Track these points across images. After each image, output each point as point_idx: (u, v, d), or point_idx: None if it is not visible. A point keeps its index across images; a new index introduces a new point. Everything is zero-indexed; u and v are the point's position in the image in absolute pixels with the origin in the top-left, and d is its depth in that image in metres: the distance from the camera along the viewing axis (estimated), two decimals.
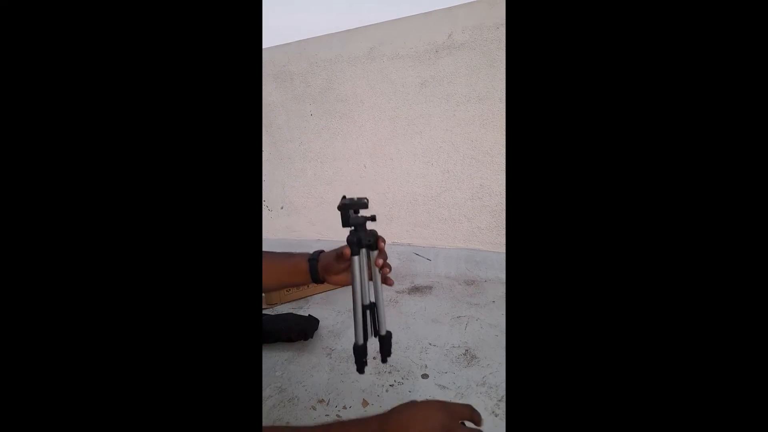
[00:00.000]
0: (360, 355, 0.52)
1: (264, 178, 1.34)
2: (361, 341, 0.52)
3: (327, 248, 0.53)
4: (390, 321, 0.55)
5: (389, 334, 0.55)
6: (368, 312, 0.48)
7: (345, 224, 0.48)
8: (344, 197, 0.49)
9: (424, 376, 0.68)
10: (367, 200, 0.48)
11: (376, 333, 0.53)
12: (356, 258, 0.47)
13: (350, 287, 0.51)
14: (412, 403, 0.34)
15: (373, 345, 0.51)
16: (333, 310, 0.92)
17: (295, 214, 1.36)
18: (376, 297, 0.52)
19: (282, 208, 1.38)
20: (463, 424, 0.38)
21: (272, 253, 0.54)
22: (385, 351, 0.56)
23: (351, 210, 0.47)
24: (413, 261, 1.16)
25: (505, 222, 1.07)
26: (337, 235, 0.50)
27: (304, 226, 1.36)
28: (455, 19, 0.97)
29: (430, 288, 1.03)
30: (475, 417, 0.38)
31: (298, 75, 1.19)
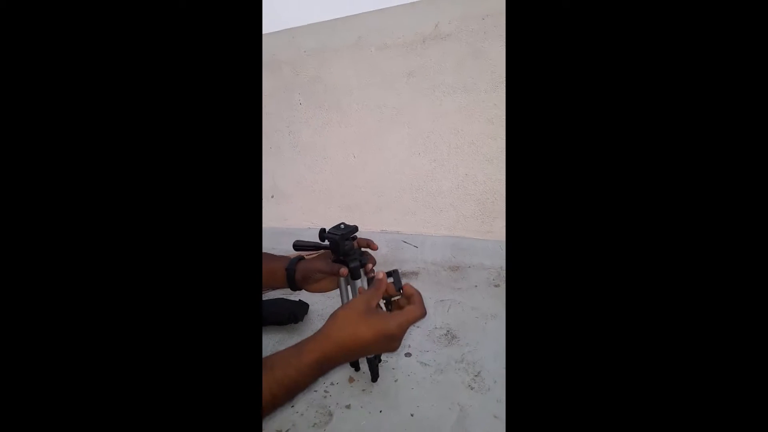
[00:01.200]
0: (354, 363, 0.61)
1: None
2: None
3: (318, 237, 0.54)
4: None
5: None
6: None
7: (339, 255, 0.50)
8: (323, 230, 0.50)
9: (407, 354, 0.73)
10: (345, 225, 0.50)
11: None
12: (358, 281, 0.51)
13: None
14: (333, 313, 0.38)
15: None
16: (322, 296, 0.96)
17: (285, 203, 1.38)
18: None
19: (272, 197, 1.39)
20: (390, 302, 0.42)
21: None
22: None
23: (345, 240, 0.49)
24: (401, 248, 1.20)
25: (489, 211, 1.11)
26: (328, 223, 0.52)
27: (295, 214, 1.38)
28: (442, 9, 0.98)
29: (416, 273, 1.07)
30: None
31: (286, 64, 1.19)
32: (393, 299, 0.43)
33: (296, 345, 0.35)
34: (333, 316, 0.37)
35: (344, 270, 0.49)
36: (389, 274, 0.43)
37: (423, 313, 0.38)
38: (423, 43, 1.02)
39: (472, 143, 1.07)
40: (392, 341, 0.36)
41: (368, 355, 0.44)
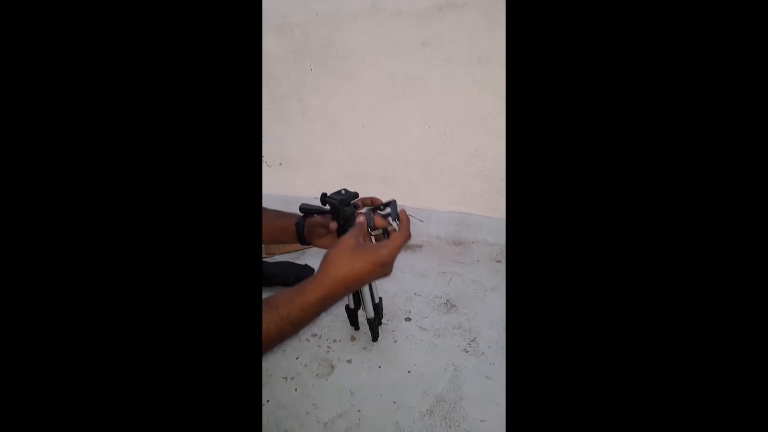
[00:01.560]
0: (353, 316, 0.67)
1: (263, 133, 1.35)
2: (352, 306, 0.66)
3: None
4: None
5: (380, 299, 0.67)
6: None
7: (340, 219, 0.53)
8: (324, 195, 0.54)
9: (408, 319, 0.76)
10: (345, 191, 0.54)
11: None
12: None
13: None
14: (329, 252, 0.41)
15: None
16: None
17: (293, 171, 1.39)
18: None
19: (281, 164, 1.40)
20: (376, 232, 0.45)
21: (264, 210, 0.58)
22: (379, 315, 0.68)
23: (345, 206, 0.52)
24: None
25: (497, 188, 1.12)
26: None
27: (303, 182, 1.40)
28: None
29: (421, 246, 1.09)
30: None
31: (298, 27, 1.16)
32: (388, 229, 0.45)
33: (297, 287, 0.38)
34: (326, 257, 0.39)
35: (333, 224, 0.53)
36: (386, 204, 0.46)
37: (407, 237, 0.42)
38: (439, 11, 0.99)
39: (483, 118, 1.05)
40: (385, 267, 0.39)
41: (365, 284, 0.48)
